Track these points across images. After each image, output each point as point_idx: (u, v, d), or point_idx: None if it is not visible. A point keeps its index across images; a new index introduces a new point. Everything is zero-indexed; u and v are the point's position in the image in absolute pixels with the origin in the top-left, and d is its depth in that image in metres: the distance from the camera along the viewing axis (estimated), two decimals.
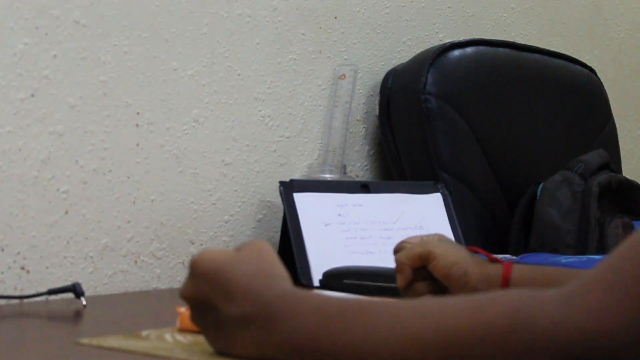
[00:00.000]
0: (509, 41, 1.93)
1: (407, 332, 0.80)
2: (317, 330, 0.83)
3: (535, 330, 0.76)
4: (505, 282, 1.14)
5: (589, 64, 2.03)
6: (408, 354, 0.79)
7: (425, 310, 0.81)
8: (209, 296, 0.87)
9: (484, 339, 0.77)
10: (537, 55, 1.93)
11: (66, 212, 1.36)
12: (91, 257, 1.39)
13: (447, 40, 1.86)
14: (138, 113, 1.45)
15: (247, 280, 0.86)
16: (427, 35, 1.89)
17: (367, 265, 1.43)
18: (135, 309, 1.32)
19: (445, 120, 1.73)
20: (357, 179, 1.74)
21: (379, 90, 1.78)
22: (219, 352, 0.89)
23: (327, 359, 0.82)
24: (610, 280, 0.76)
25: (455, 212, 1.62)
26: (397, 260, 1.18)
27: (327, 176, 1.64)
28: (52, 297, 1.29)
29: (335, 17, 1.73)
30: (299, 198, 1.53)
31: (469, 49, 1.81)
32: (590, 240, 1.68)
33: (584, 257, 1.58)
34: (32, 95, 1.33)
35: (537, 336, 0.76)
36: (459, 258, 1.16)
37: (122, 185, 1.42)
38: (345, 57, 1.74)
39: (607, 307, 0.75)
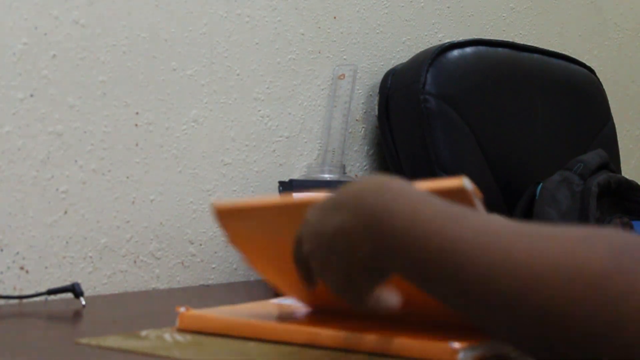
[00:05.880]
0: (508, 41, 1.93)
1: (518, 253, 0.78)
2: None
3: (637, 274, 0.73)
4: None
5: (588, 64, 2.03)
6: (514, 276, 0.77)
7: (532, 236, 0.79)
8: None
9: (580, 274, 0.74)
10: (536, 55, 1.93)
11: (65, 212, 1.36)
12: (90, 257, 1.39)
13: (447, 40, 1.86)
14: (137, 113, 1.45)
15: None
16: (426, 35, 1.89)
17: None
18: (134, 309, 1.32)
19: (444, 120, 1.73)
20: (356, 179, 1.73)
21: (378, 90, 1.78)
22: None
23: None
24: None
25: None
26: None
27: (327, 176, 1.64)
28: (52, 297, 1.29)
29: (335, 17, 1.73)
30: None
31: (468, 49, 1.81)
32: None
33: None
34: (31, 95, 1.33)
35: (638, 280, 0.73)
36: None
37: (122, 185, 1.42)
38: (345, 57, 1.74)
39: None
